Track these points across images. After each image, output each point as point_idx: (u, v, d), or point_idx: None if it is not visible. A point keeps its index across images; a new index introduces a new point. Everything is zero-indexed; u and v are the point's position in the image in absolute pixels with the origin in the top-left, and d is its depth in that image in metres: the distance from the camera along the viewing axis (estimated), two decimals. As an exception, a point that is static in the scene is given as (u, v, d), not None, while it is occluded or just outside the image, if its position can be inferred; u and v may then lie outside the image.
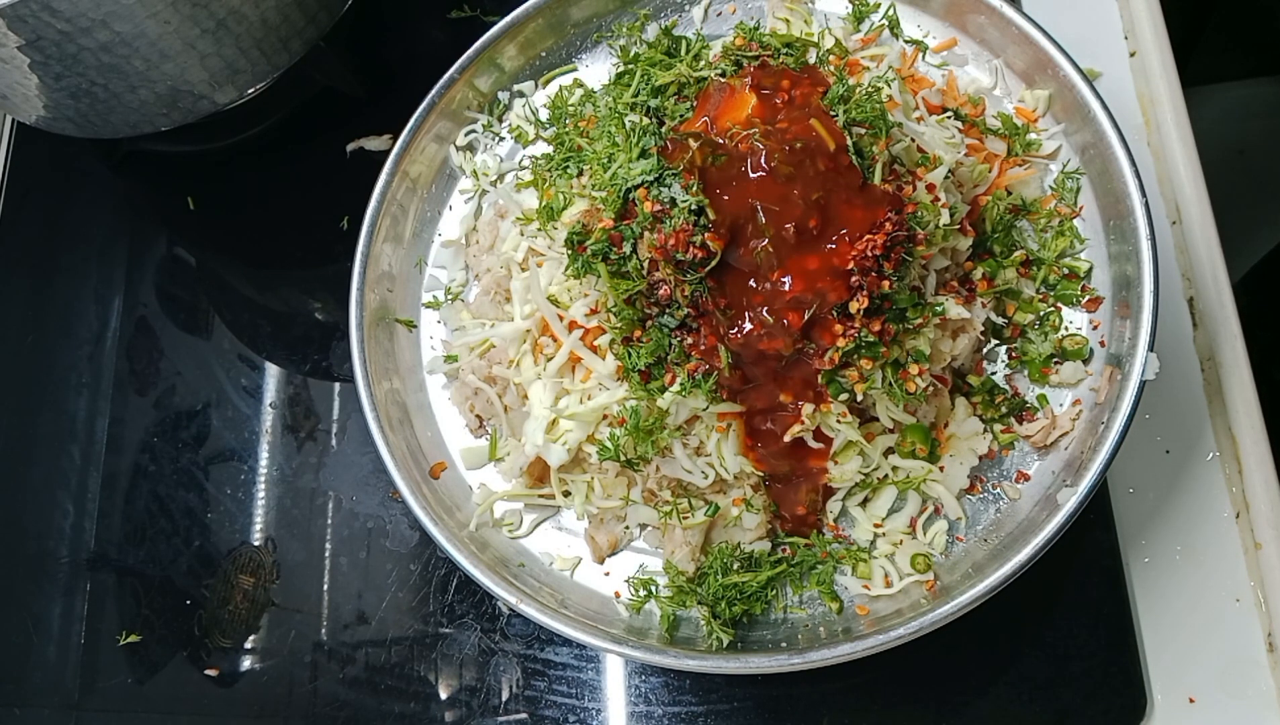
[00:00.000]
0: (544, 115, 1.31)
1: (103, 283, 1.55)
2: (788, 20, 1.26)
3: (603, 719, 1.20)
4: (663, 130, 1.03)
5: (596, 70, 1.33)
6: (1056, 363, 1.10)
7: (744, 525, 1.07)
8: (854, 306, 0.96)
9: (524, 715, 1.21)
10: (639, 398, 1.03)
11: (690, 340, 1.01)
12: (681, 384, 1.01)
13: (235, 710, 1.28)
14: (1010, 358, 1.12)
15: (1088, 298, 1.11)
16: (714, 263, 0.96)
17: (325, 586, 1.31)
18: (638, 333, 1.04)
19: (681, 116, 1.06)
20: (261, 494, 1.38)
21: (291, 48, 1.38)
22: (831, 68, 1.08)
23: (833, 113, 0.99)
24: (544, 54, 1.33)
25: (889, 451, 1.07)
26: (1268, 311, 1.96)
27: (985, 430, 1.09)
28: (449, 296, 1.26)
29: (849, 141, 0.97)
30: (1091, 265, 1.12)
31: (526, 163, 1.30)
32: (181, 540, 1.37)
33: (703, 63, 1.16)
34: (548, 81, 1.33)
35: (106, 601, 1.36)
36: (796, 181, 0.95)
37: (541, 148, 1.29)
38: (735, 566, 1.06)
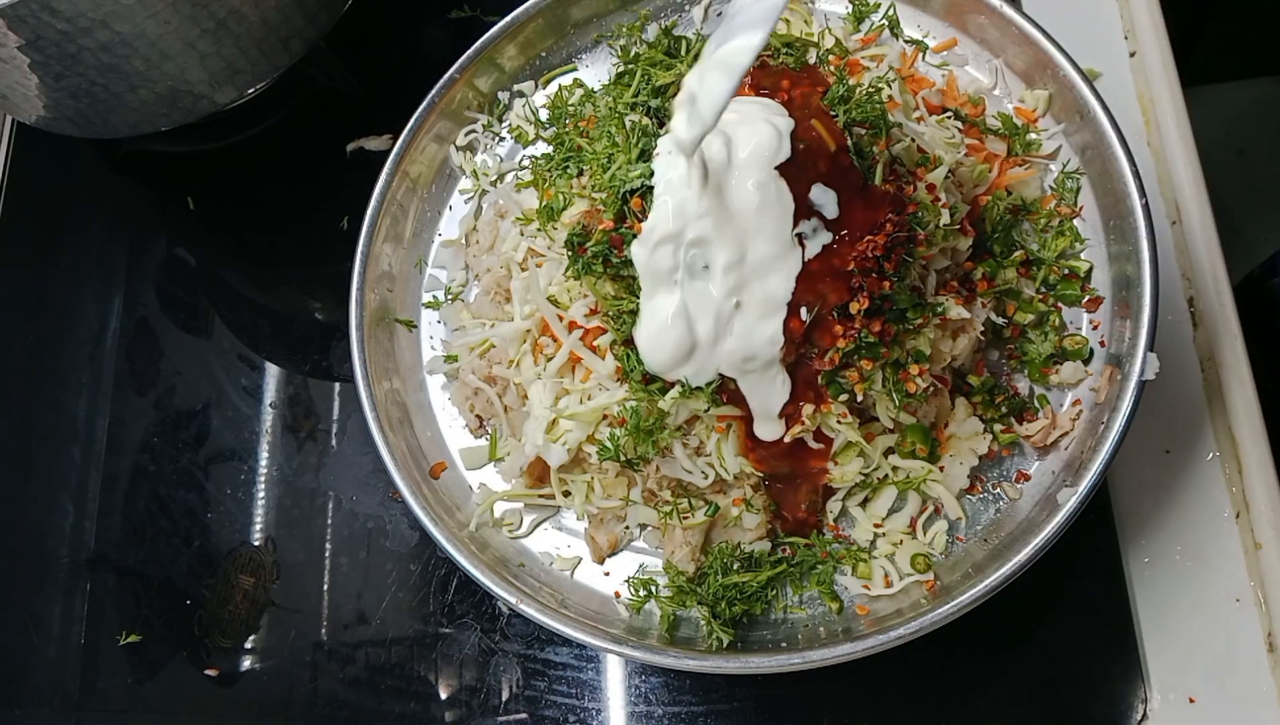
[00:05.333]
0: (544, 115, 1.31)
1: (103, 283, 1.55)
2: (788, 20, 1.26)
3: (603, 719, 1.20)
4: (662, 130, 1.03)
5: (596, 70, 1.33)
6: (1056, 363, 1.10)
7: (744, 525, 1.07)
8: (854, 307, 0.96)
9: (524, 715, 1.21)
10: (639, 398, 1.03)
11: (690, 341, 1.01)
12: (682, 386, 1.00)
13: (235, 710, 1.28)
14: (1010, 358, 1.12)
15: (1088, 298, 1.11)
16: (714, 263, 0.96)
17: (325, 586, 1.31)
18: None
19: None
20: (261, 494, 1.38)
21: (291, 48, 1.38)
22: (831, 68, 1.08)
23: (833, 113, 0.99)
24: (544, 54, 1.33)
25: (889, 451, 1.07)
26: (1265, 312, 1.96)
27: (985, 430, 1.09)
28: (449, 296, 1.26)
29: (849, 142, 0.97)
30: (1091, 265, 1.12)
31: (526, 163, 1.30)
32: (181, 540, 1.37)
33: (703, 63, 1.16)
34: (548, 81, 1.33)
35: (106, 601, 1.36)
36: (797, 182, 0.95)
37: (541, 148, 1.29)
38: (735, 566, 1.06)
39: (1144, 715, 1.11)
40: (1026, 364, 1.11)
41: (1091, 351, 1.09)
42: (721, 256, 0.94)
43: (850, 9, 1.26)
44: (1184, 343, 1.24)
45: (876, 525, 1.07)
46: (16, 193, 1.64)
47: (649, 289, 0.97)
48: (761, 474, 1.06)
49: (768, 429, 1.02)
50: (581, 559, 1.12)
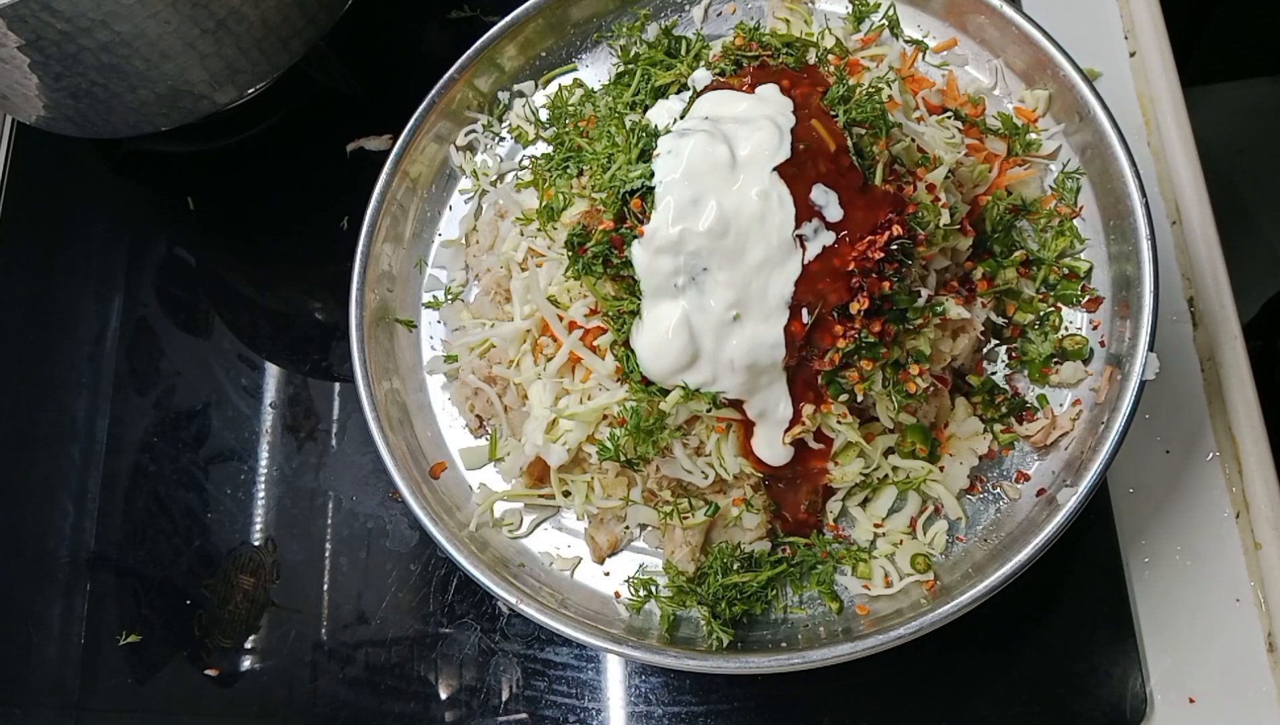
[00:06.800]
0: (544, 115, 1.31)
1: (103, 283, 1.55)
2: (788, 20, 1.26)
3: (603, 719, 1.20)
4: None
5: (596, 70, 1.33)
6: (1056, 363, 1.10)
7: (744, 525, 1.07)
8: (854, 307, 0.96)
9: (524, 715, 1.21)
10: (639, 398, 1.03)
11: (691, 341, 1.01)
12: (684, 389, 1.00)
13: (235, 710, 1.28)
14: (1010, 358, 1.12)
15: (1088, 298, 1.11)
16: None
17: (325, 586, 1.31)
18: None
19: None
20: (261, 494, 1.38)
21: (291, 48, 1.38)
22: (831, 68, 1.08)
23: (833, 113, 0.99)
24: (544, 54, 1.33)
25: (889, 451, 1.07)
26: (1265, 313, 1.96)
27: (985, 430, 1.09)
28: (449, 296, 1.26)
29: (849, 142, 0.97)
30: (1091, 265, 1.12)
31: (526, 163, 1.30)
32: (181, 540, 1.37)
33: (703, 63, 1.16)
34: (548, 81, 1.33)
35: (106, 601, 1.36)
36: (797, 182, 0.95)
37: (541, 148, 1.29)
38: (735, 566, 1.06)
39: (1144, 715, 1.11)
40: (1026, 364, 1.11)
41: (1091, 351, 1.09)
42: (723, 262, 0.95)
43: (850, 9, 1.25)
44: (1184, 343, 1.24)
45: (876, 525, 1.07)
46: (16, 193, 1.64)
47: (650, 295, 0.97)
48: (761, 474, 1.06)
49: (770, 452, 1.02)
50: (581, 559, 1.12)
